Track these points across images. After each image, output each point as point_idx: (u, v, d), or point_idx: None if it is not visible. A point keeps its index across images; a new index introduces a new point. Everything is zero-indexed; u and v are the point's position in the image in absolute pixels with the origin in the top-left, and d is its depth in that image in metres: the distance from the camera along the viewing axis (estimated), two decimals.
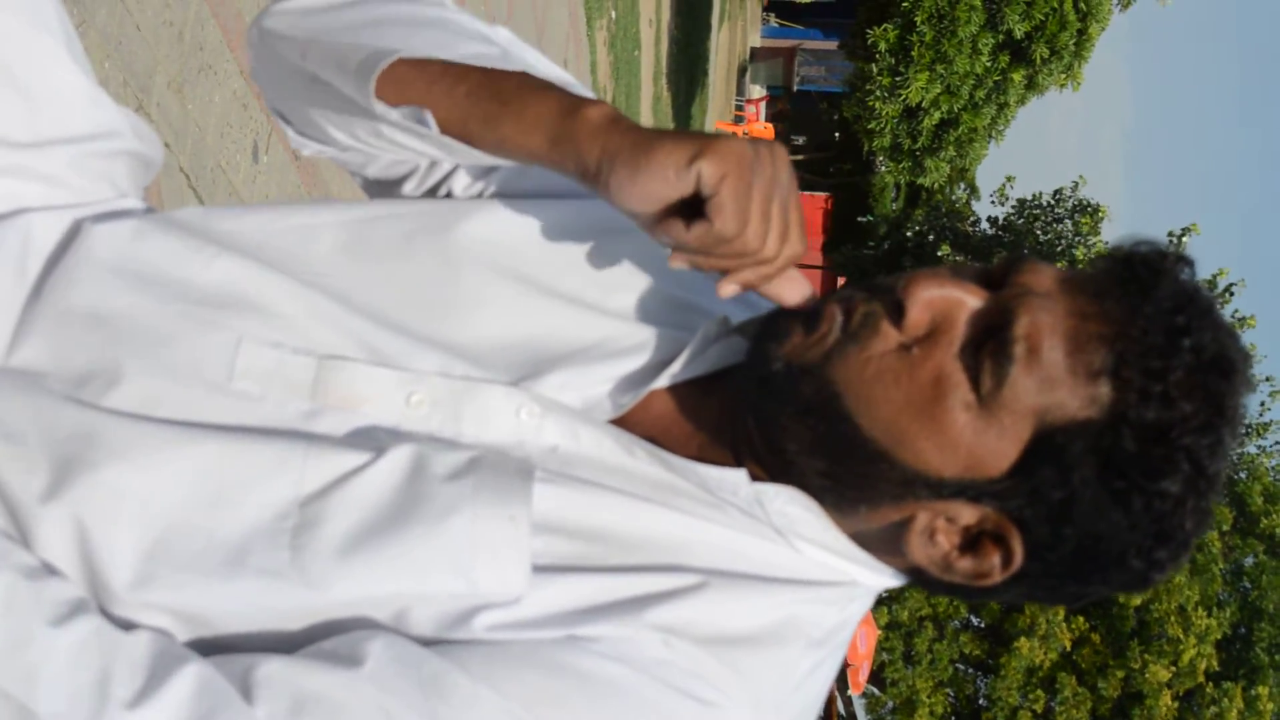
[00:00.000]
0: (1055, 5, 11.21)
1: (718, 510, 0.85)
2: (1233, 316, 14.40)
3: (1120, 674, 13.29)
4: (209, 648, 0.79)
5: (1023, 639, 13.38)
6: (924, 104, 11.49)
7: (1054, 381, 0.80)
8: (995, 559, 0.84)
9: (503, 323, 0.89)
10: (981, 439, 0.81)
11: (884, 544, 0.87)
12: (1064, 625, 13.52)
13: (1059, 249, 15.60)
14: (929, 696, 14.14)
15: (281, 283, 0.88)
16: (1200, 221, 15.39)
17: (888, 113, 11.68)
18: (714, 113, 21.59)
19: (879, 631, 13.53)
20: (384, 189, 1.02)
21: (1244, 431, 0.84)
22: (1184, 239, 14.98)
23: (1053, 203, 16.57)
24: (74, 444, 0.81)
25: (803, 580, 0.86)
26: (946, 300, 0.83)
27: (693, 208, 0.79)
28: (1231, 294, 14.93)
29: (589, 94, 0.88)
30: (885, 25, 11.27)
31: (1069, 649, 13.68)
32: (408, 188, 1.00)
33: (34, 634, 0.74)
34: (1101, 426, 0.79)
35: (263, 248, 0.90)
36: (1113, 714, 13.57)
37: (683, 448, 0.87)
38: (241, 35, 3.11)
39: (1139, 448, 0.78)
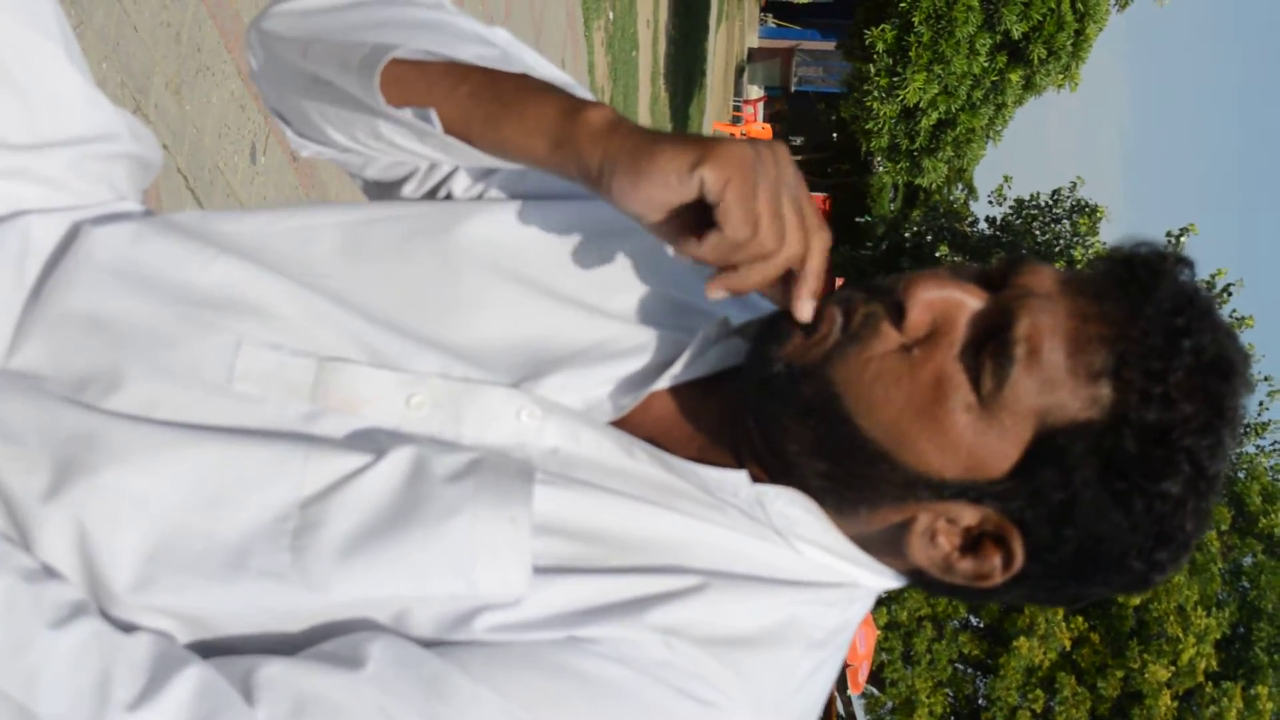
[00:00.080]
0: (1053, 6, 11.22)
1: (718, 511, 0.85)
2: (1231, 316, 14.42)
3: (1119, 674, 13.30)
4: (210, 650, 0.79)
5: (1022, 639, 13.39)
6: (922, 104, 11.50)
7: (1055, 383, 0.80)
8: (996, 560, 0.84)
9: (503, 324, 0.89)
10: (982, 440, 0.81)
11: (885, 545, 0.87)
12: (1063, 625, 13.53)
13: (1057, 249, 15.62)
14: (928, 696, 14.15)
15: (281, 284, 0.88)
16: (1198, 221, 15.41)
17: (885, 113, 11.68)
18: (711, 113, 21.60)
19: (878, 631, 13.54)
20: (383, 190, 1.02)
21: (1243, 431, 0.84)
22: (1182, 239, 15.00)
23: (1051, 203, 16.58)
24: (74, 446, 0.81)
25: (803, 582, 0.86)
26: (947, 301, 0.83)
27: (699, 213, 0.79)
28: (1230, 294, 14.95)
29: (589, 95, 0.88)
30: (883, 26, 11.28)
31: (1068, 649, 13.69)
32: (407, 189, 1.00)
33: (34, 636, 0.74)
34: (1102, 428, 0.79)
35: (262, 250, 0.90)
36: (1112, 714, 13.58)
37: (683, 449, 0.87)
38: (239, 36, 3.11)
39: (1140, 449, 0.78)
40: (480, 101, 0.85)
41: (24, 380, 0.85)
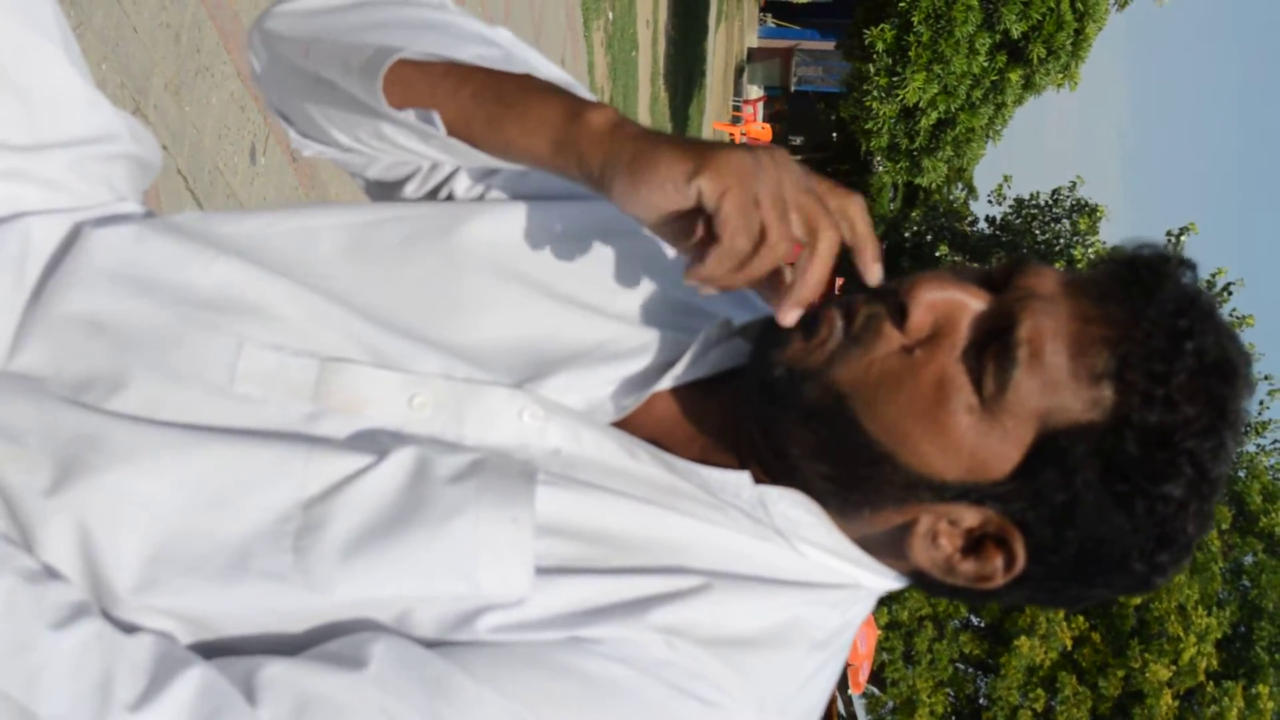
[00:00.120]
0: (1052, 5, 11.22)
1: (720, 512, 0.85)
2: (1231, 315, 14.43)
3: (1121, 673, 13.30)
4: (212, 650, 0.79)
5: (1023, 638, 13.39)
6: (921, 104, 11.50)
7: (1057, 385, 0.80)
8: (998, 562, 0.84)
9: (505, 325, 0.89)
10: (984, 442, 0.81)
11: (886, 547, 0.87)
12: (1064, 624, 13.54)
13: (1057, 249, 15.62)
14: (929, 696, 14.15)
15: (282, 285, 0.88)
16: (1198, 221, 15.42)
17: (885, 113, 11.69)
18: (711, 113, 21.60)
19: (879, 631, 13.54)
20: (385, 191, 1.02)
21: (1244, 431, 0.84)
22: (1182, 238, 15.00)
23: (1051, 202, 16.59)
24: (76, 447, 0.81)
25: (806, 582, 0.86)
26: (949, 303, 0.83)
27: (707, 217, 0.79)
28: (1230, 293, 14.96)
29: (592, 97, 0.87)
30: (882, 25, 11.28)
31: (1069, 648, 13.70)
32: (409, 189, 1.00)
33: (36, 637, 0.73)
34: (1104, 430, 0.79)
35: (263, 250, 0.90)
36: (1113, 713, 13.58)
37: (685, 450, 0.87)
38: (238, 37, 3.11)
39: (1141, 451, 0.78)
40: (482, 102, 0.85)
41: (26, 381, 0.85)
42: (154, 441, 0.81)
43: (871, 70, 11.51)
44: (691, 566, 0.83)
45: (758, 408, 0.86)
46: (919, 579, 0.89)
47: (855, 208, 0.82)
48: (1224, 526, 14.14)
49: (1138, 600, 12.99)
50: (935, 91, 11.38)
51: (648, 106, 12.91)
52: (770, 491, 0.84)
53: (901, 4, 11.07)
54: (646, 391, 0.87)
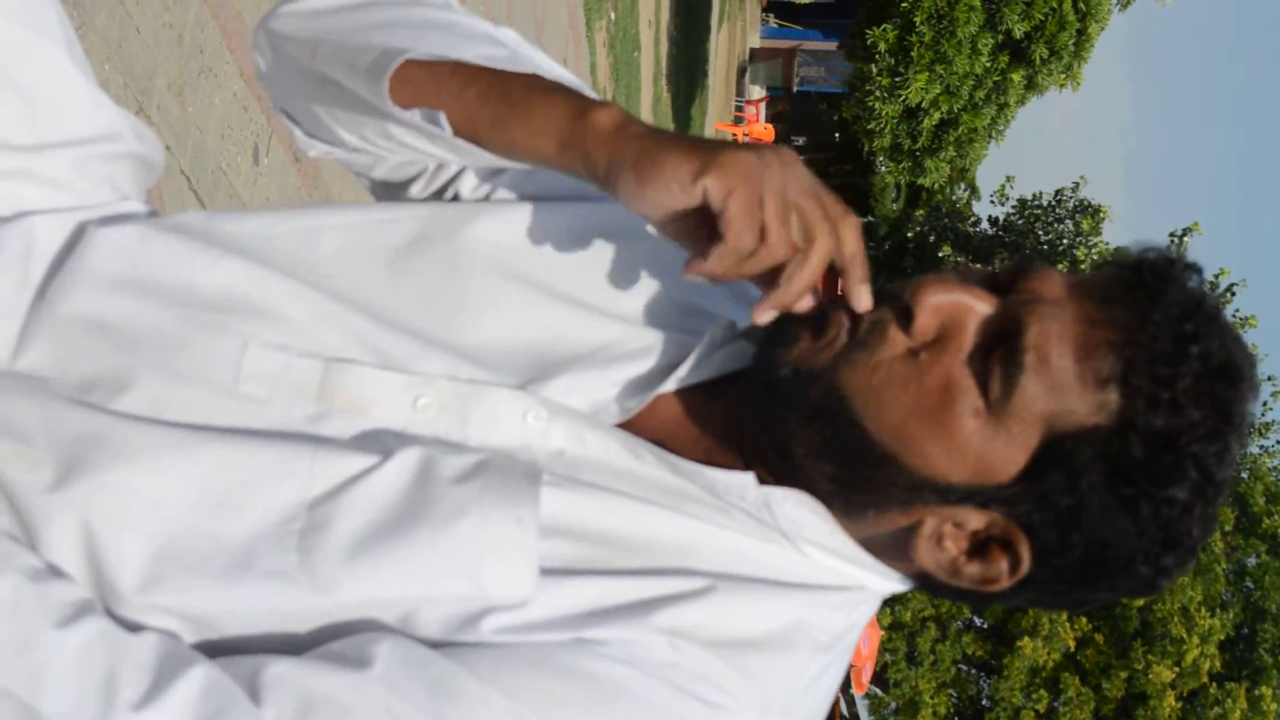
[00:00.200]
0: (1054, 5, 11.21)
1: (725, 514, 0.85)
2: (1234, 316, 14.42)
3: (1124, 674, 13.29)
4: (216, 650, 0.79)
5: (1026, 639, 13.39)
6: (924, 104, 11.50)
7: (1063, 388, 0.80)
8: (1003, 564, 0.84)
9: (509, 326, 0.89)
10: (990, 445, 0.81)
11: (891, 549, 0.87)
12: (1067, 626, 13.54)
13: (1060, 249, 15.61)
14: (932, 697, 14.15)
15: (286, 285, 0.88)
16: (1201, 221, 15.40)
17: (887, 113, 11.68)
18: (714, 113, 21.60)
19: (882, 632, 13.54)
20: (391, 191, 1.02)
21: (1247, 433, 0.84)
22: (1185, 239, 14.99)
23: (1054, 203, 16.57)
24: (81, 446, 0.81)
25: (810, 584, 0.86)
26: (955, 306, 0.83)
27: (710, 215, 0.79)
28: (1233, 294, 14.94)
29: (597, 97, 0.87)
30: (884, 26, 11.27)
31: (1072, 649, 13.69)
32: (415, 189, 1.00)
33: (39, 636, 0.73)
34: (1110, 433, 0.79)
35: (267, 250, 0.90)
36: (1116, 714, 13.57)
37: (689, 452, 0.87)
38: (241, 37, 3.11)
39: (1147, 454, 0.79)
40: (488, 102, 0.85)
41: (30, 381, 0.85)
42: (158, 441, 0.81)
43: (874, 70, 11.51)
44: (696, 568, 0.83)
45: (762, 408, 0.86)
46: (923, 581, 0.89)
47: (849, 227, 0.81)
48: (1227, 528, 14.14)
49: (1141, 602, 12.99)
50: (938, 92, 11.38)
51: (650, 107, 12.91)
52: (775, 493, 0.84)
53: (904, 4, 11.06)
54: (651, 393, 0.87)
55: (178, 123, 2.80)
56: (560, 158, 0.83)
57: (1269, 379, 15.51)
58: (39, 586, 0.76)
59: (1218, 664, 13.47)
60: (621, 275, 0.93)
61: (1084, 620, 13.59)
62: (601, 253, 0.93)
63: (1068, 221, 16.29)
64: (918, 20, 10.96)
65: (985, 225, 17.34)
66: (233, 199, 3.09)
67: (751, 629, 0.83)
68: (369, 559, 0.79)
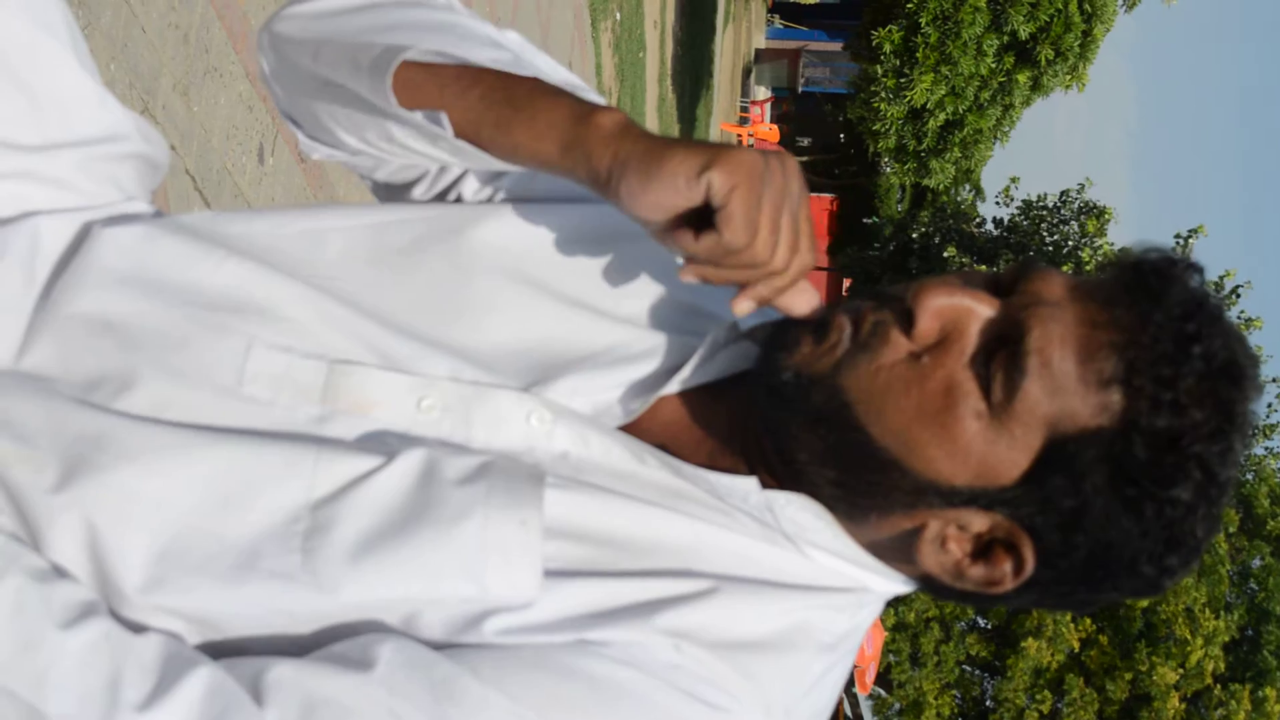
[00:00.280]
0: (1060, 6, 11.20)
1: (728, 517, 0.85)
2: (1239, 318, 14.38)
3: (1128, 675, 13.28)
4: (219, 651, 0.79)
5: (1030, 640, 13.38)
6: (929, 105, 11.49)
7: (1065, 390, 0.80)
8: (1007, 566, 0.84)
9: (513, 328, 0.89)
10: (992, 448, 0.81)
11: (895, 551, 0.87)
12: (1071, 627, 13.52)
13: (1065, 250, 15.59)
14: (936, 698, 14.15)
15: (291, 286, 0.88)
16: (1207, 223, 15.37)
17: (893, 114, 11.67)
18: (719, 114, 21.60)
19: (885, 633, 13.53)
20: (394, 193, 1.02)
21: (1251, 434, 0.84)
22: (1190, 240, 14.96)
23: (1059, 204, 16.55)
24: (84, 446, 0.81)
25: (814, 586, 0.86)
26: (957, 309, 0.83)
27: (703, 218, 0.79)
28: (1238, 295, 14.91)
29: (601, 100, 0.87)
30: (890, 27, 11.26)
31: (1076, 650, 13.68)
32: (417, 192, 1.00)
33: (44, 637, 0.74)
34: (1113, 434, 0.79)
35: (271, 251, 0.90)
36: (1120, 715, 13.56)
37: (693, 454, 0.87)
38: (247, 38, 3.11)
39: (1150, 455, 0.78)
40: (491, 104, 0.85)
41: (34, 381, 0.85)
42: (162, 442, 0.82)
43: (879, 71, 11.50)
44: (699, 570, 0.83)
45: (765, 412, 0.86)
46: (927, 583, 0.89)
47: (804, 265, 0.82)
48: (1231, 530, 14.12)
49: (1145, 603, 12.98)
50: (943, 93, 11.37)
51: (655, 107, 12.91)
52: (778, 496, 0.84)
53: (909, 5, 11.06)
54: (653, 395, 0.87)
55: (183, 123, 2.80)
56: (562, 160, 0.83)
57: (1274, 380, 15.47)
58: (43, 587, 0.76)
59: (1222, 665, 13.45)
60: (624, 277, 0.93)
61: (1088, 621, 13.58)
62: (605, 255, 0.93)
63: (1073, 223, 16.25)
64: (923, 21, 10.96)
65: (990, 226, 17.31)
66: (238, 199, 3.09)
67: (754, 630, 0.83)
68: (372, 560, 0.79)
